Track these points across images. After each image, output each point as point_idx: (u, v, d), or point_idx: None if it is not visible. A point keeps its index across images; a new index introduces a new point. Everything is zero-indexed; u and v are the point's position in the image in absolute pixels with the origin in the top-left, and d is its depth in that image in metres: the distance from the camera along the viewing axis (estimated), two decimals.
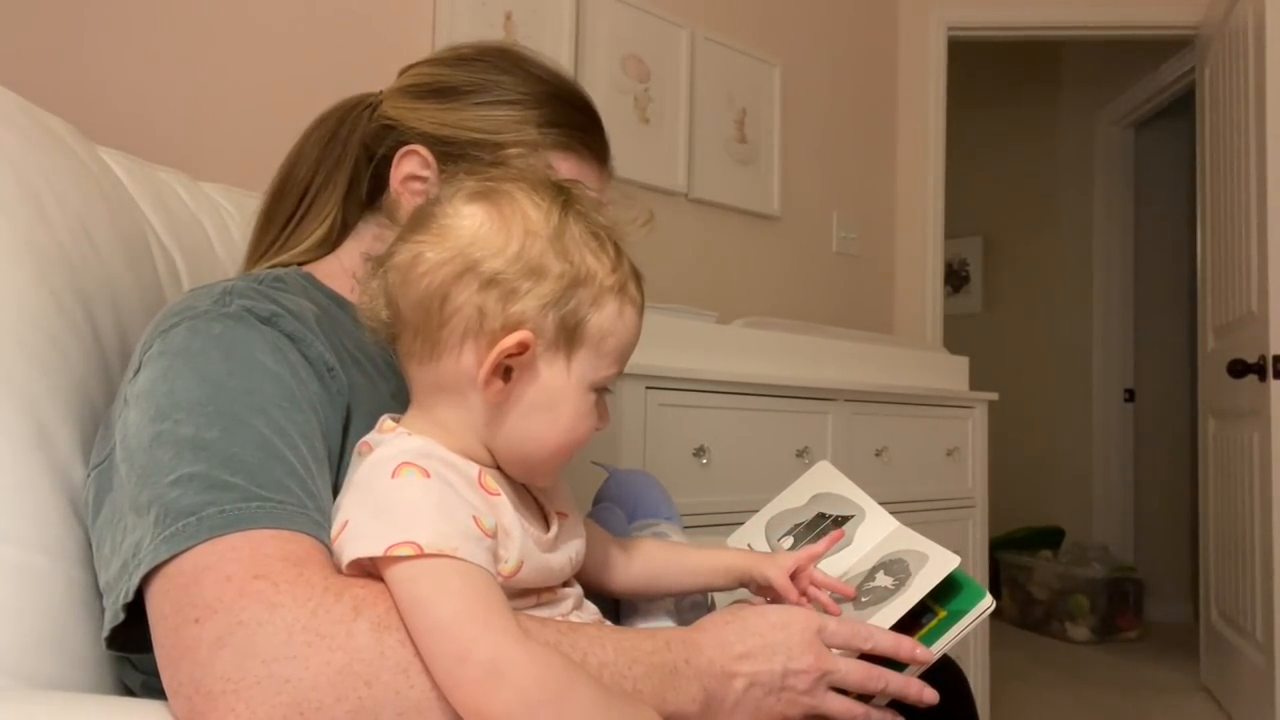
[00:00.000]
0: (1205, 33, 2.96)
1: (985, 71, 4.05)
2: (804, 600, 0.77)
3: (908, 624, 0.74)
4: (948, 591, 0.75)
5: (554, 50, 2.03)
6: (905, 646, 0.71)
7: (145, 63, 1.51)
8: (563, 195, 0.64)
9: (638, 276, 0.66)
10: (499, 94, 0.80)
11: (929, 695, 0.71)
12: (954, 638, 0.72)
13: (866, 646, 0.70)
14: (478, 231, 0.60)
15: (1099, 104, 4.05)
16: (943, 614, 0.73)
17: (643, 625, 0.82)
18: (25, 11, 1.39)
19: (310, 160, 0.86)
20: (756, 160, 2.53)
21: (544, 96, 0.82)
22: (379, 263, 0.64)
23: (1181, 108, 3.61)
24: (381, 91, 0.87)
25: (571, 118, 0.83)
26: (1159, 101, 3.72)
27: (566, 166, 0.81)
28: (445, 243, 0.60)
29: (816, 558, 0.79)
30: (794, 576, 0.78)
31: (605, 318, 0.63)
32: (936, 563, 0.76)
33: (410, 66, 0.86)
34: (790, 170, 2.63)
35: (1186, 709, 2.77)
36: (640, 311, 0.66)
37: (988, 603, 0.73)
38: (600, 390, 0.65)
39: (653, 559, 0.82)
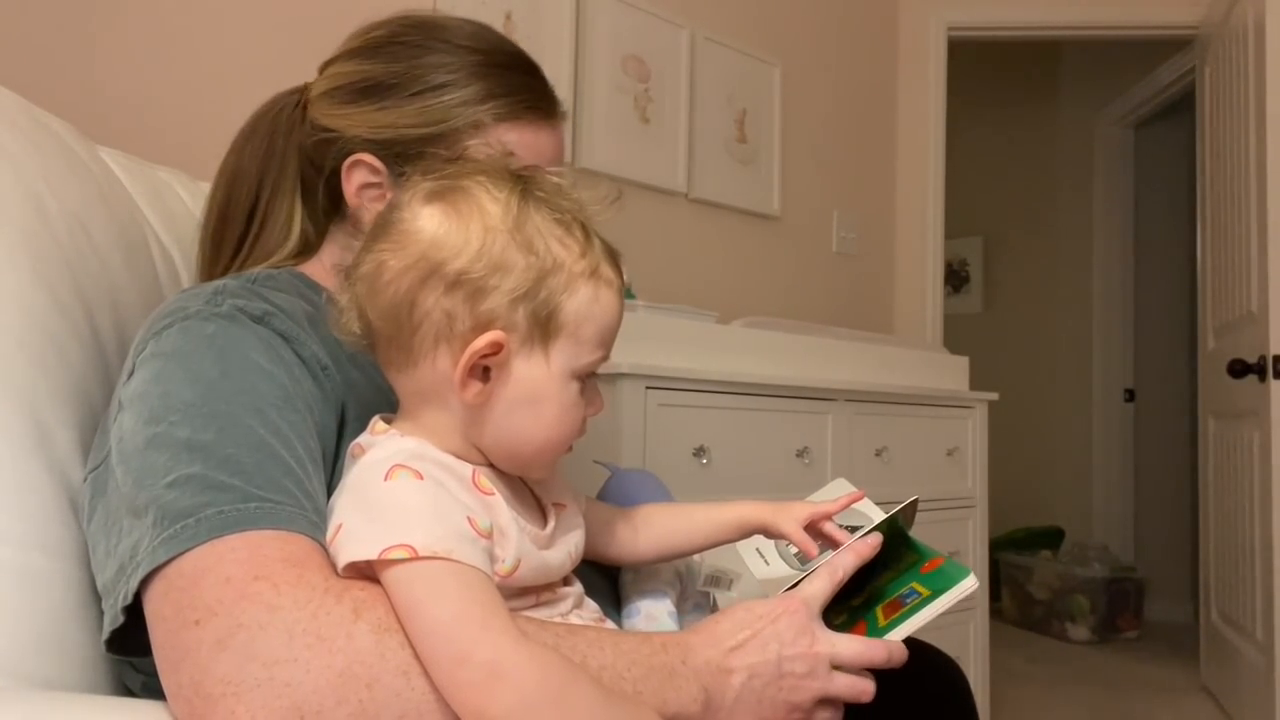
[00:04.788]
0: (1205, 33, 2.96)
1: (985, 71, 4.04)
2: (819, 551, 0.76)
3: (893, 604, 0.74)
4: (938, 576, 0.75)
5: (554, 50, 2.04)
6: (863, 549, 0.72)
7: (144, 62, 1.51)
8: (522, 184, 0.62)
9: (612, 256, 0.64)
10: (429, 79, 0.77)
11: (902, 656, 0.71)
12: (933, 614, 0.72)
13: (839, 577, 0.71)
14: (436, 233, 0.59)
15: (1099, 104, 4.05)
16: (927, 593, 0.73)
17: (646, 603, 0.81)
18: (25, 11, 1.39)
19: (251, 177, 0.83)
20: (756, 160, 2.53)
21: (475, 68, 0.78)
22: (346, 275, 0.63)
23: (1181, 108, 3.61)
24: (306, 86, 0.83)
25: (509, 82, 0.79)
26: (1159, 101, 3.72)
27: (513, 137, 0.78)
28: (406, 248, 0.59)
29: (830, 515, 0.78)
30: (807, 529, 0.78)
31: (580, 304, 0.61)
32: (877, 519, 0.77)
33: (330, 62, 0.82)
34: (790, 170, 2.62)
35: (1186, 709, 2.77)
36: (618, 292, 0.64)
37: (970, 582, 0.72)
38: (586, 377, 0.64)
39: (660, 524, 0.81)
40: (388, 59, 0.79)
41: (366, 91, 0.78)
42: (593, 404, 0.66)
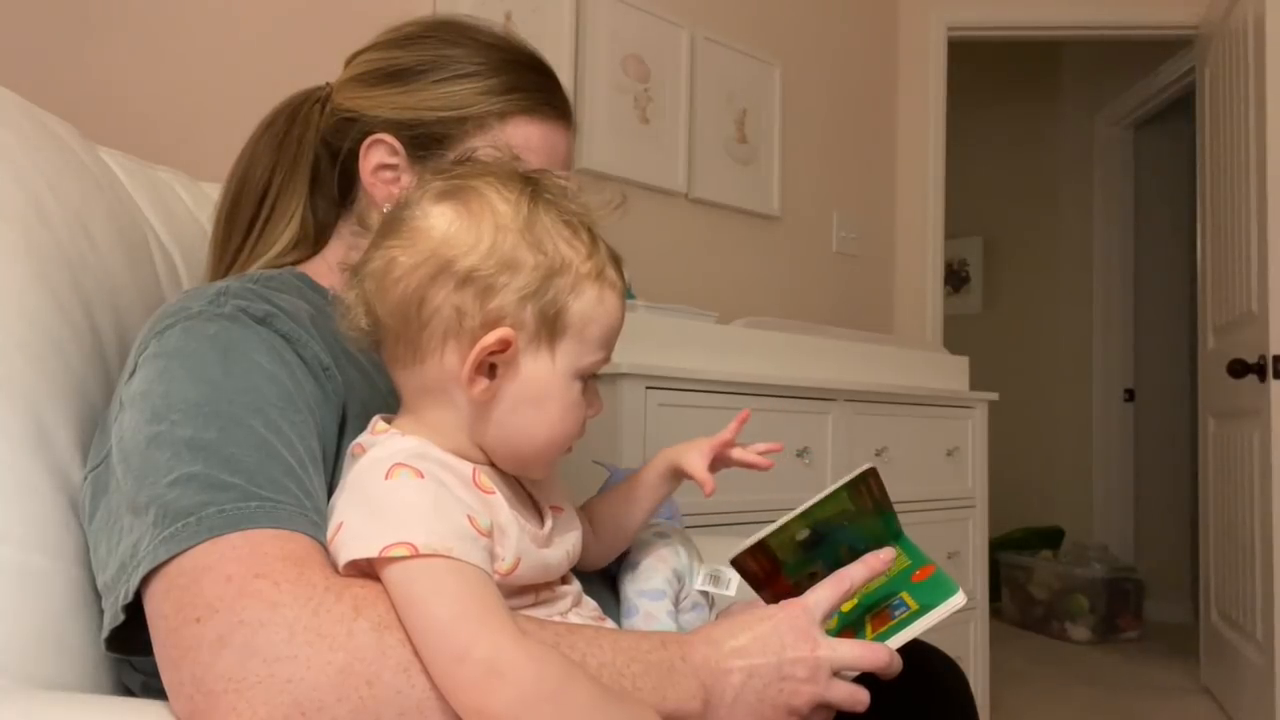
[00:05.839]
0: (1205, 33, 2.96)
1: (985, 71, 4.04)
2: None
3: (881, 615, 0.74)
4: (928, 588, 0.75)
5: (554, 50, 2.03)
6: (874, 564, 0.72)
7: (144, 62, 1.51)
8: (531, 185, 0.63)
9: (616, 260, 0.66)
10: (454, 68, 0.80)
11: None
12: (920, 629, 0.72)
13: (845, 588, 0.70)
14: (448, 231, 0.60)
15: (1099, 104, 4.05)
16: (915, 607, 0.73)
17: (645, 603, 0.82)
18: (25, 11, 1.39)
19: (265, 163, 0.85)
20: (756, 160, 2.53)
21: (500, 63, 0.81)
22: (354, 272, 0.63)
23: (1181, 108, 3.61)
24: (329, 84, 0.86)
25: (530, 80, 0.82)
26: (1159, 101, 3.72)
27: (533, 130, 0.80)
28: (417, 245, 0.60)
29: (728, 443, 0.80)
30: (713, 463, 0.80)
31: (585, 304, 0.62)
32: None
33: (357, 54, 0.85)
34: (790, 170, 2.62)
35: (1186, 709, 2.77)
36: (621, 295, 0.65)
37: (958, 599, 0.72)
38: (588, 378, 0.65)
39: (608, 513, 0.82)
40: (417, 49, 0.81)
41: (393, 76, 0.80)
42: (592, 405, 0.67)
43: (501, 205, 0.61)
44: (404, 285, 0.60)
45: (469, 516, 0.57)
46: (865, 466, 0.77)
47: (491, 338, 0.59)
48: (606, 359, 0.66)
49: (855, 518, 0.79)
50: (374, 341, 0.64)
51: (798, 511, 0.76)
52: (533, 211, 0.62)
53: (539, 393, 0.62)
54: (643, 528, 0.85)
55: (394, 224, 0.62)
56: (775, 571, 0.79)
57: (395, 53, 0.82)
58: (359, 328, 0.63)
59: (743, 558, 0.77)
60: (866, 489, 0.78)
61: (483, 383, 0.61)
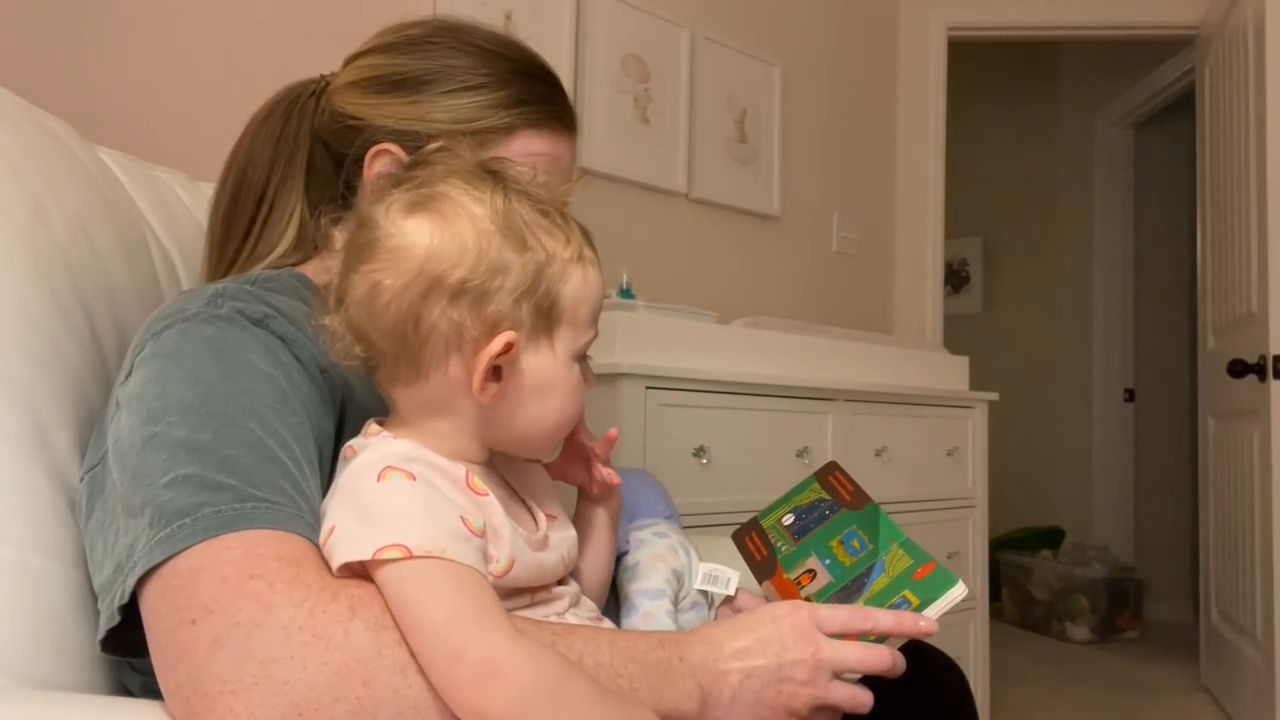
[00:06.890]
0: (1205, 33, 2.96)
1: (985, 71, 4.04)
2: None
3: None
4: (928, 583, 0.75)
5: (554, 50, 2.03)
6: (908, 622, 0.68)
7: (144, 63, 1.51)
8: (500, 181, 0.63)
9: (587, 235, 0.66)
10: (461, 79, 0.78)
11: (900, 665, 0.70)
12: None
13: (867, 626, 0.68)
14: (430, 245, 0.59)
15: (1099, 104, 4.05)
16: (917, 603, 0.73)
17: (644, 602, 0.82)
18: (25, 11, 1.39)
19: (263, 160, 0.83)
20: (756, 160, 2.53)
21: (506, 75, 0.80)
22: (336, 299, 0.62)
23: (1181, 108, 3.61)
24: (324, 77, 0.85)
25: (538, 92, 0.81)
26: (1159, 101, 3.72)
27: (540, 143, 0.80)
28: (400, 265, 0.59)
29: (612, 441, 0.78)
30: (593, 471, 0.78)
31: (574, 288, 0.63)
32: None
33: (358, 55, 0.83)
34: (790, 170, 2.62)
35: (1186, 709, 2.77)
36: (599, 268, 0.66)
37: (958, 590, 0.72)
38: (583, 357, 0.66)
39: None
40: (422, 56, 0.80)
41: (398, 84, 0.79)
42: (588, 380, 0.68)
43: (475, 207, 0.60)
44: (395, 308, 0.59)
45: (461, 517, 0.57)
46: (827, 461, 0.87)
47: (497, 344, 0.59)
48: (597, 334, 0.67)
49: (835, 508, 0.82)
50: (369, 367, 0.63)
51: (780, 498, 0.85)
52: (507, 206, 0.61)
53: (545, 383, 0.63)
54: (610, 551, 0.83)
55: (368, 245, 0.60)
56: (772, 559, 0.82)
57: (399, 59, 0.80)
58: (354, 355, 0.62)
59: (741, 535, 0.84)
60: (836, 480, 0.84)
61: (492, 388, 0.61)
